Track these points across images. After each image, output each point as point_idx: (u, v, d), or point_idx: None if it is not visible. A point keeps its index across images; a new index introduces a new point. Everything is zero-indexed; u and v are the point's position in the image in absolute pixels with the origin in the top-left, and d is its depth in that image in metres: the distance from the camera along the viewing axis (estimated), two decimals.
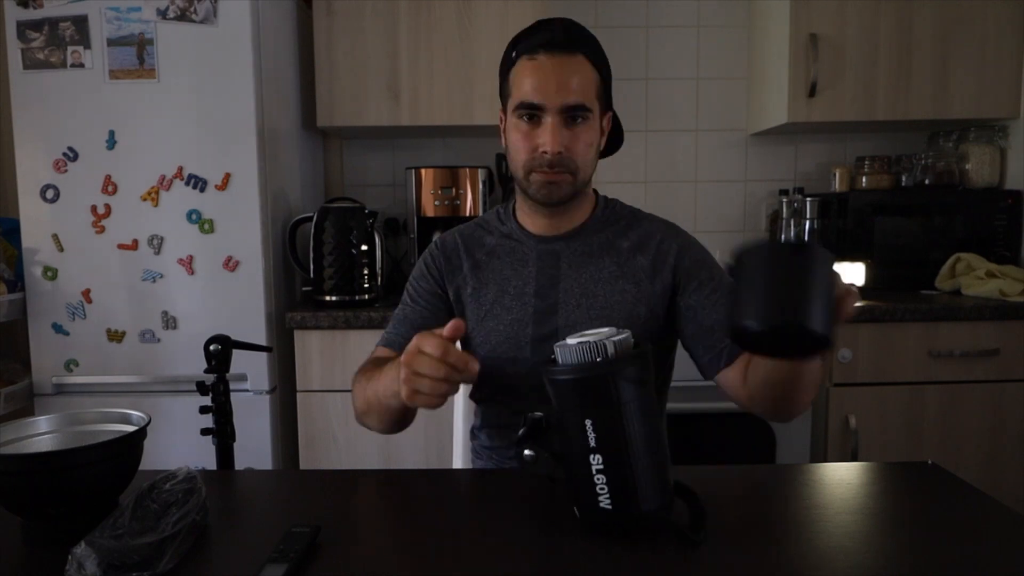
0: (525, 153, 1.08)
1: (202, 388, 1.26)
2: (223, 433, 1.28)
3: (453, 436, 1.40)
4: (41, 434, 0.92)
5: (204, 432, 1.29)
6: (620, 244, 1.16)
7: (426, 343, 0.81)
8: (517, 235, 1.18)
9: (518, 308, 1.14)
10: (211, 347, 1.24)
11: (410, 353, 0.82)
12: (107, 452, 0.83)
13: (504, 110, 1.13)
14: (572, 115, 1.05)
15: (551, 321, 1.13)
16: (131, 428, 0.90)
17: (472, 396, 1.24)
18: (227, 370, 1.28)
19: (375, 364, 1.09)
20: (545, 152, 1.06)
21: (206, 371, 1.26)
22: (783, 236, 2.36)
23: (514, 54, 1.09)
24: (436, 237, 1.25)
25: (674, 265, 1.13)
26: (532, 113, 1.06)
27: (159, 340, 1.90)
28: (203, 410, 1.27)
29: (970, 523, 0.84)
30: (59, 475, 0.80)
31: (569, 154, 1.06)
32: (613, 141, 1.21)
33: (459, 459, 1.38)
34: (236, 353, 1.31)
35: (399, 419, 1.08)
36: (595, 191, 1.22)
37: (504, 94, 1.13)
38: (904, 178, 2.32)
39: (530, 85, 1.05)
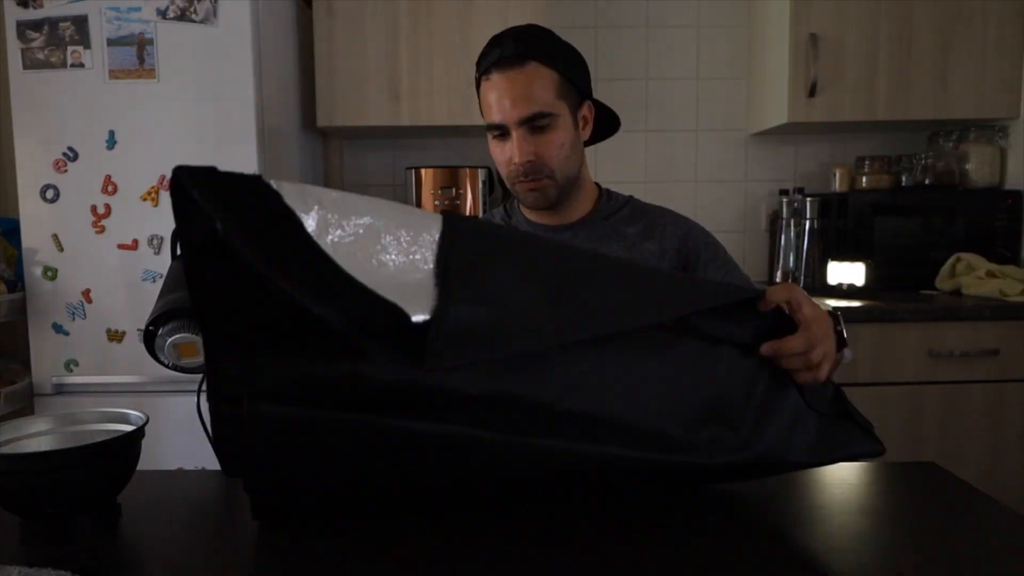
0: (504, 167, 1.13)
1: None
2: None
3: None
4: (39, 434, 0.92)
5: None
6: (626, 231, 1.17)
7: None
8: (525, 226, 1.21)
9: None
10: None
11: None
12: (105, 452, 0.82)
13: None
14: (535, 124, 1.07)
15: None
16: (130, 428, 0.89)
17: None
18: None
19: None
20: (516, 163, 1.10)
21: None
22: (783, 236, 2.36)
23: (477, 75, 1.12)
24: None
25: (678, 248, 1.17)
26: (500, 131, 1.10)
27: None
28: None
29: (970, 523, 0.84)
30: (57, 475, 0.80)
31: (540, 160, 1.09)
32: (607, 125, 1.21)
33: None
34: None
35: None
36: (598, 184, 1.24)
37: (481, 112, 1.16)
38: (904, 178, 2.31)
39: (490, 106, 1.09)
